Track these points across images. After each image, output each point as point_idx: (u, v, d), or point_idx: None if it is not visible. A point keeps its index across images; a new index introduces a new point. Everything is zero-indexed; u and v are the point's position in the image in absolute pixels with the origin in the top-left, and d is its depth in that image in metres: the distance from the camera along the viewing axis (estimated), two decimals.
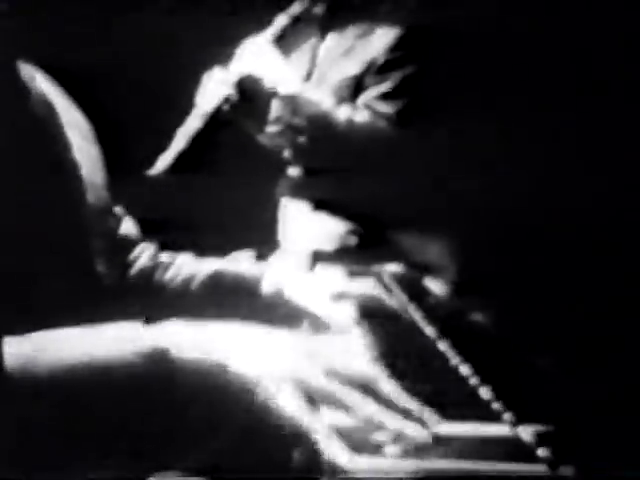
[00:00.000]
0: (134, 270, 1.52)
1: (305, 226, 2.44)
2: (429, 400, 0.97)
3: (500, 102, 2.17)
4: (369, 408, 0.92)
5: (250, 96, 2.43)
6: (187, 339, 0.91)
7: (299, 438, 0.87)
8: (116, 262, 1.44)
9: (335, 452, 0.88)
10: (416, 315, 1.59)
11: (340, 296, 1.60)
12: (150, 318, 0.95)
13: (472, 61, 2.21)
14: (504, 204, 2.03)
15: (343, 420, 0.92)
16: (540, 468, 0.91)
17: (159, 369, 0.88)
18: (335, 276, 1.77)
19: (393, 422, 0.93)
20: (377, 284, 1.72)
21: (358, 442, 0.91)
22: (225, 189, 2.24)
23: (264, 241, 2.23)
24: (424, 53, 2.34)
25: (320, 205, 2.41)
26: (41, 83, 1.36)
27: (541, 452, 0.93)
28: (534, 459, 0.92)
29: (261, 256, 1.86)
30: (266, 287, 1.54)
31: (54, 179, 1.33)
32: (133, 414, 0.86)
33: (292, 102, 2.40)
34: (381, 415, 0.92)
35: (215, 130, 2.41)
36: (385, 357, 1.28)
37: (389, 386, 0.95)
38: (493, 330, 1.55)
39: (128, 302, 1.39)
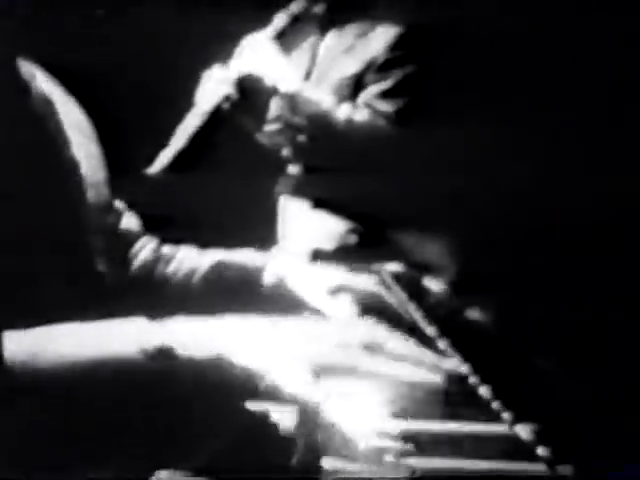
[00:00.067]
0: (136, 264, 1.52)
1: (305, 225, 2.44)
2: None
3: (500, 101, 2.17)
4: (380, 367, 0.92)
5: (250, 94, 2.43)
6: (191, 336, 0.91)
7: (299, 438, 0.87)
8: (117, 258, 1.45)
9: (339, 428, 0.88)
10: (416, 314, 1.59)
11: (340, 290, 1.60)
12: (154, 314, 0.95)
13: (472, 60, 2.21)
14: (504, 204, 2.03)
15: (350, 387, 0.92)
16: (539, 467, 0.91)
17: (161, 367, 0.88)
18: (335, 273, 1.77)
19: (406, 373, 0.93)
20: (377, 282, 1.72)
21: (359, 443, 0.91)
22: (224, 188, 2.24)
23: (264, 239, 2.23)
24: (424, 52, 2.34)
25: (320, 204, 2.41)
26: (41, 81, 1.36)
27: (540, 451, 0.93)
28: (533, 458, 0.92)
29: (261, 253, 1.85)
30: (268, 280, 1.54)
31: (54, 177, 1.33)
32: (133, 413, 0.86)
33: (292, 101, 2.40)
34: (393, 369, 0.92)
35: (215, 128, 2.41)
36: None
37: (398, 341, 0.95)
38: (492, 329, 1.55)
39: (130, 297, 1.39)
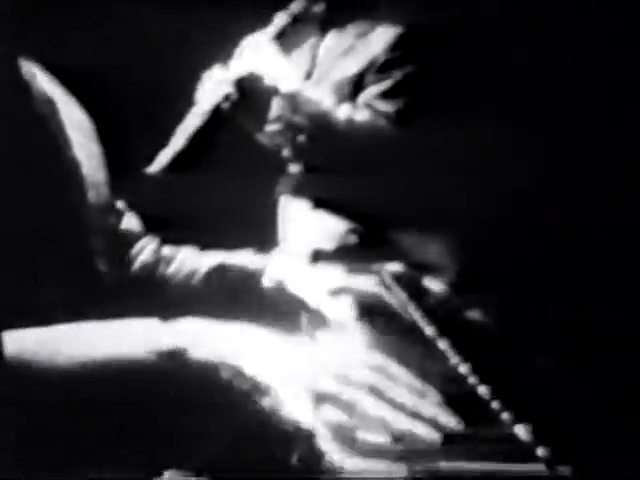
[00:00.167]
0: (136, 265, 1.52)
1: (305, 225, 2.44)
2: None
3: (500, 101, 2.17)
4: (376, 410, 0.92)
5: (250, 94, 2.43)
6: (198, 339, 0.91)
7: (299, 439, 0.87)
8: (117, 259, 1.45)
9: (335, 451, 0.88)
10: (416, 314, 1.60)
11: (340, 292, 1.60)
12: (153, 315, 0.95)
13: (472, 60, 2.21)
14: (504, 204, 2.03)
15: (347, 421, 0.92)
16: (538, 467, 0.91)
17: (161, 368, 0.88)
18: (335, 274, 1.77)
19: (402, 423, 0.93)
20: (377, 282, 1.72)
21: (359, 442, 0.92)
22: (224, 188, 2.24)
23: (264, 239, 2.23)
24: (424, 52, 2.34)
25: (320, 204, 2.41)
26: (42, 81, 1.36)
27: (539, 451, 0.93)
28: (532, 458, 0.93)
29: (261, 254, 1.85)
30: (267, 282, 1.54)
31: (55, 177, 1.33)
32: (134, 413, 0.86)
33: (292, 101, 2.40)
34: (389, 416, 0.93)
35: (215, 128, 2.41)
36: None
37: (403, 383, 0.96)
38: (492, 329, 1.55)
39: (130, 297, 1.39)
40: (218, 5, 2.30)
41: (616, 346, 1.49)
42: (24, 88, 1.33)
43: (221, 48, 2.41)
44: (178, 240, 1.62)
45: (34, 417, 0.87)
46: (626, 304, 1.74)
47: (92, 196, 1.38)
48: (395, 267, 1.96)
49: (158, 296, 1.50)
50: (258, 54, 2.43)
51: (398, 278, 1.88)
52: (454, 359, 1.28)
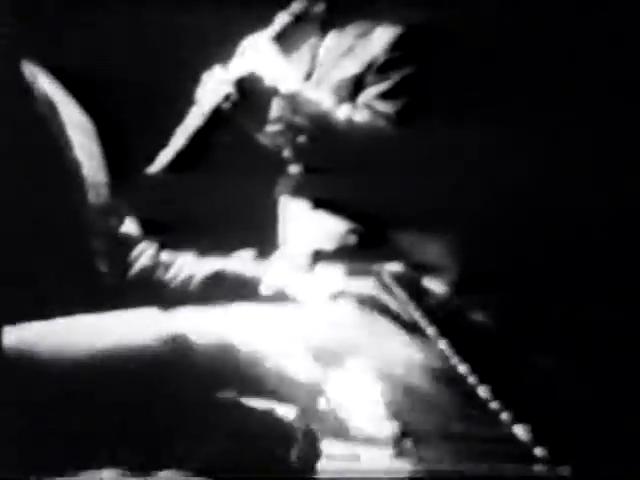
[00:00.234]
0: (135, 269, 1.52)
1: (305, 225, 2.44)
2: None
3: (500, 101, 2.17)
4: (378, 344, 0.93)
5: (250, 95, 2.43)
6: (196, 325, 0.91)
7: (298, 438, 0.87)
8: (117, 261, 1.45)
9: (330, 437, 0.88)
10: (416, 314, 1.60)
11: (340, 294, 1.61)
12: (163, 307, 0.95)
13: (472, 60, 2.21)
14: (504, 204, 2.03)
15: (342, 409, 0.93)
16: (537, 467, 0.91)
17: (163, 368, 0.88)
18: (335, 275, 1.77)
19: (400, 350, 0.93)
20: (377, 283, 1.72)
21: (358, 440, 0.92)
22: (224, 188, 2.24)
23: (264, 240, 2.23)
24: (424, 52, 2.34)
25: (320, 204, 2.41)
26: (43, 83, 1.36)
27: (538, 451, 0.93)
28: (531, 458, 0.93)
29: (261, 255, 1.86)
30: (266, 286, 1.54)
31: (56, 178, 1.33)
32: (134, 414, 0.86)
33: (292, 101, 2.40)
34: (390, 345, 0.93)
35: (215, 128, 2.41)
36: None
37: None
38: (492, 329, 1.55)
39: (128, 300, 1.39)
40: (218, 5, 2.30)
41: (616, 346, 1.49)
42: (26, 90, 1.34)
43: (221, 48, 2.41)
44: (178, 240, 1.62)
45: (34, 417, 0.87)
46: (626, 304, 1.74)
47: (92, 197, 1.39)
48: (395, 267, 1.96)
49: (156, 300, 1.50)
50: (258, 54, 2.43)
51: (398, 278, 1.88)
52: (454, 359, 1.28)
